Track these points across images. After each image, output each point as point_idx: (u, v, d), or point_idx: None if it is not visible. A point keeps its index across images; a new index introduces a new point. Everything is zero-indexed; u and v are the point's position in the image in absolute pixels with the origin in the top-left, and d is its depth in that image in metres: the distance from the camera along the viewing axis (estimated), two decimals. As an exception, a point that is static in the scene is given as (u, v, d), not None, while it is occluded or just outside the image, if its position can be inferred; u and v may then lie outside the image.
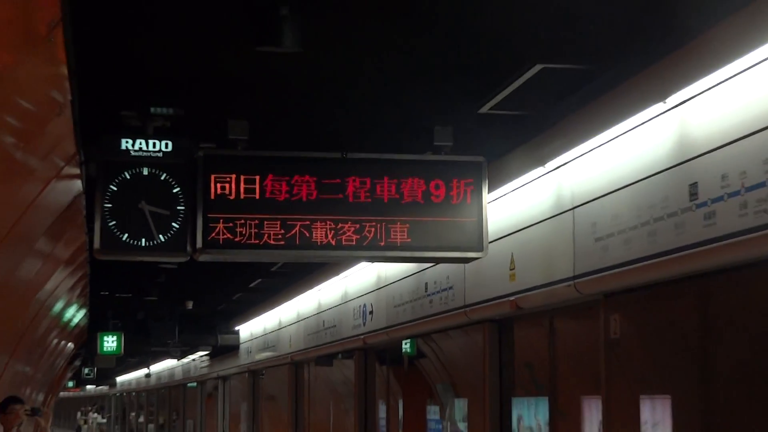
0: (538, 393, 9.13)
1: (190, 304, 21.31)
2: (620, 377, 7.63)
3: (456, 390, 11.09)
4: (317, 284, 15.49)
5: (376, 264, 12.51)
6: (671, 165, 6.37)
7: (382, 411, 14.07)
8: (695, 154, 6.11)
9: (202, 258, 7.59)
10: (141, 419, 53.05)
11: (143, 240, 7.44)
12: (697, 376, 6.84)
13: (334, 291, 15.00)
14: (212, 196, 7.45)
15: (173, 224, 7.47)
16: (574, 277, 7.59)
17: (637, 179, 6.76)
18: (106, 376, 45.79)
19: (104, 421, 65.03)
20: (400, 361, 12.47)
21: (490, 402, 9.78)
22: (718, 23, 5.64)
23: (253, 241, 7.50)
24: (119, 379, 53.79)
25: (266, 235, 7.52)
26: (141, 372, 44.37)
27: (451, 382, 11.40)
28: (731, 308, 6.57)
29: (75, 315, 16.84)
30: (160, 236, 7.46)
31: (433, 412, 11.69)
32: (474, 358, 10.18)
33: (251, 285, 18.09)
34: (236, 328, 23.94)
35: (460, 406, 10.76)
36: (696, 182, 6.09)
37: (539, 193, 8.22)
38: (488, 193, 7.65)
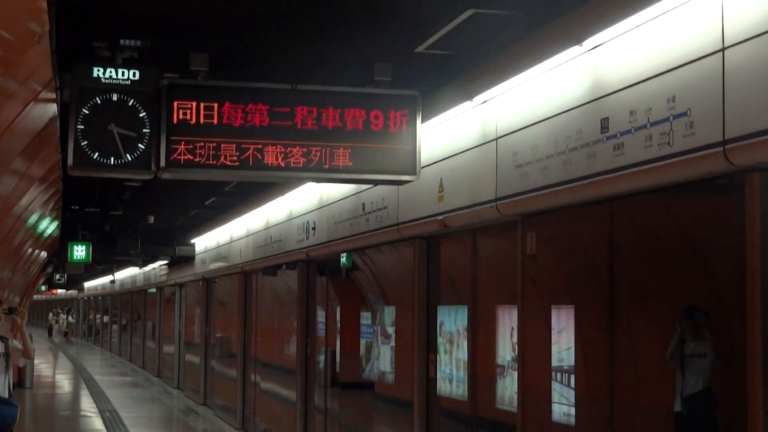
0: (459, 302, 9.15)
1: (151, 219, 21.16)
2: (533, 289, 7.66)
3: (386, 299, 11.11)
4: (266, 203, 15.42)
5: (319, 186, 12.46)
6: (585, 101, 6.35)
7: (321, 316, 14.10)
8: (607, 92, 6.09)
9: (165, 176, 7.55)
10: (106, 320, 52.95)
11: (112, 158, 7.38)
12: (599, 289, 6.87)
13: (280, 209, 14.94)
14: (174, 121, 7.39)
15: (139, 145, 7.41)
16: (496, 200, 7.58)
17: (554, 114, 6.74)
18: (75, 281, 45.50)
19: (73, 321, 64.98)
20: (338, 272, 12.45)
21: (417, 310, 9.80)
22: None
23: (210, 162, 7.45)
24: (87, 284, 53.51)
25: (222, 156, 7.47)
26: (107, 278, 44.19)
27: (383, 292, 11.41)
28: (631, 229, 6.59)
29: (48, 227, 16.64)
30: (128, 155, 7.41)
31: (365, 317, 11.71)
32: (404, 271, 10.18)
33: (206, 202, 18.01)
34: (192, 241, 23.83)
35: (390, 313, 10.78)
36: (607, 117, 6.07)
37: (467, 125, 8.17)
38: (422, 123, 7.61)
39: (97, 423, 19.83)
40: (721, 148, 5.01)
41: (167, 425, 20.72)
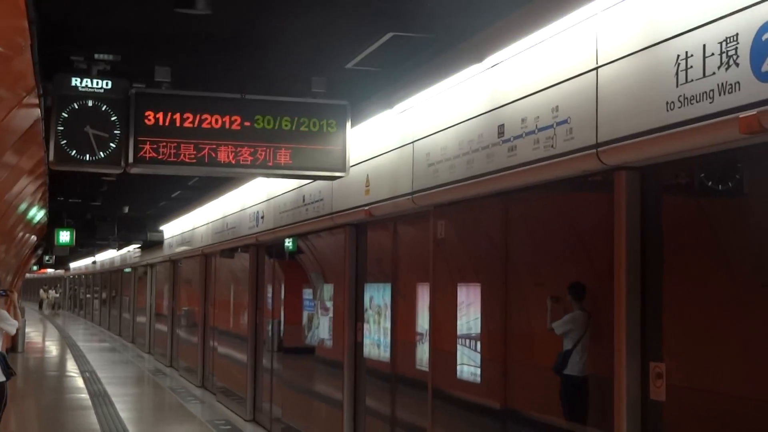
0: (384, 280, 9.15)
1: (126, 209, 20.96)
2: (444, 269, 7.68)
3: (325, 277, 11.08)
4: (222, 195, 15.32)
5: (267, 181, 12.39)
6: (485, 111, 6.37)
7: (269, 292, 14.04)
8: (503, 103, 6.12)
9: (133, 170, 7.52)
10: (88, 295, 52.28)
11: (87, 155, 7.36)
12: (499, 268, 6.92)
13: (235, 201, 14.84)
14: (141, 124, 7.37)
15: (111, 144, 7.38)
16: (413, 193, 7.59)
17: (460, 121, 6.76)
18: (62, 262, 44.82)
19: (58, 295, 64.20)
20: (284, 255, 12.39)
21: (348, 286, 9.80)
22: (523, 6, 5.64)
23: (172, 159, 7.45)
24: (72, 264, 52.78)
25: (182, 154, 7.45)
26: (89, 260, 43.64)
27: (321, 271, 11.38)
28: (522, 216, 6.63)
29: (36, 214, 16.37)
30: (101, 153, 7.39)
31: (307, 293, 11.67)
32: (338, 253, 10.17)
33: (173, 195, 17.83)
34: (161, 228, 23.58)
35: (327, 289, 10.76)
36: (503, 123, 6.11)
37: (389, 130, 8.18)
38: (351, 128, 7.63)
39: (79, 382, 19.59)
40: (595, 150, 5.07)
41: (138, 383, 20.50)
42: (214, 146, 7.45)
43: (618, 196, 5.13)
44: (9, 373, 10.63)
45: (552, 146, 5.46)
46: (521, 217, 6.65)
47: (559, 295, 5.95)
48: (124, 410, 15.26)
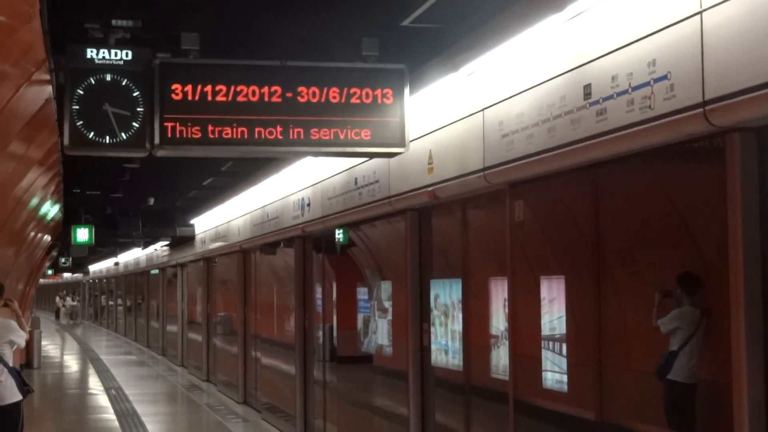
0: (452, 275, 9.09)
1: (151, 201, 21.12)
2: (523, 259, 7.61)
3: (382, 274, 11.07)
4: (262, 181, 15.38)
5: (312, 162, 12.41)
6: (568, 69, 6.29)
7: (318, 292, 14.07)
8: (589, 59, 6.03)
9: (160, 153, 7.53)
10: (111, 302, 52.95)
11: (107, 137, 7.39)
12: (588, 257, 6.81)
13: (276, 187, 14.89)
14: (167, 99, 7.35)
15: (134, 124, 7.42)
16: (484, 169, 7.53)
17: (538, 83, 6.68)
18: (80, 264, 45.41)
19: (75, 303, 65.19)
20: (335, 249, 12.40)
21: (411, 282, 9.76)
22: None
23: (203, 138, 7.43)
24: (92, 267, 53.49)
25: (215, 133, 7.45)
26: (110, 261, 44.16)
27: (378, 267, 11.37)
28: (616, 195, 6.53)
29: (50, 210, 16.58)
30: (122, 134, 7.43)
31: (362, 293, 11.67)
32: (398, 245, 10.14)
33: (204, 183, 17.96)
34: (192, 222, 23.77)
35: (386, 288, 10.74)
36: (590, 83, 6.02)
37: (454, 98, 8.11)
38: (409, 96, 7.57)
39: (103, 400, 19.84)
40: (702, 110, 4.96)
41: (171, 400, 20.71)
42: (252, 122, 7.44)
43: (730, 163, 5.02)
44: (25, 390, 10.77)
45: (649, 107, 5.37)
46: (613, 195, 6.55)
47: (669, 288, 5.84)
48: (157, 432, 15.43)
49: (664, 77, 5.25)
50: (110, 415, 17.35)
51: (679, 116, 5.13)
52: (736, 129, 4.95)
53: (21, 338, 10.84)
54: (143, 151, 7.47)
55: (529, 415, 7.45)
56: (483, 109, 7.55)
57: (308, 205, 12.94)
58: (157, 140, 7.35)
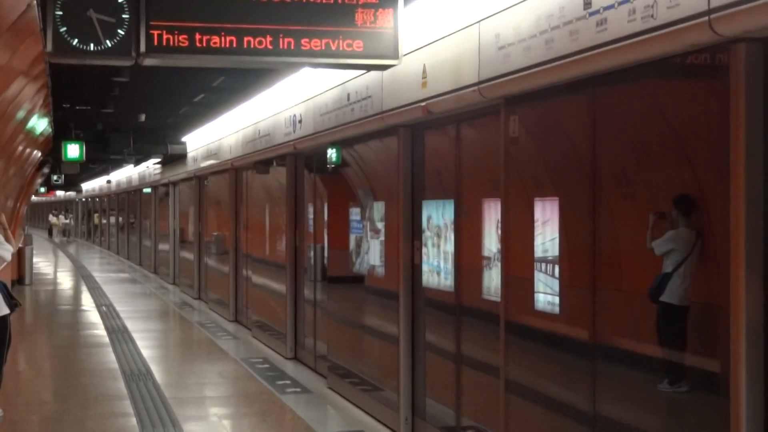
0: (445, 196, 8.91)
1: (142, 117, 20.91)
2: (517, 179, 7.42)
3: (374, 194, 10.89)
4: (253, 97, 15.14)
5: (303, 79, 12.17)
6: (568, -22, 6.04)
7: (310, 212, 13.93)
8: (590, -33, 5.79)
9: (147, 62, 7.39)
10: (104, 221, 52.89)
11: (92, 45, 7.25)
12: (583, 177, 6.61)
13: (268, 104, 14.65)
14: (154, 6, 7.17)
15: (119, 31, 7.27)
16: (479, 83, 7.31)
17: (537, -7, 6.44)
18: (72, 183, 45.31)
19: (68, 221, 65.28)
20: (327, 168, 12.19)
21: (403, 201, 9.60)
22: None
23: (190, 47, 7.26)
24: (84, 185, 53.36)
25: (204, 41, 7.27)
26: (103, 179, 44.02)
27: (371, 187, 11.18)
28: (614, 112, 6.32)
29: (38, 124, 16.32)
30: (107, 41, 7.27)
31: (355, 214, 11.50)
32: (390, 165, 9.94)
33: (195, 99, 17.72)
34: (183, 139, 23.53)
35: (379, 208, 10.57)
36: (590, -8, 5.78)
37: (449, 9, 7.86)
38: (404, 7, 7.37)
39: (95, 316, 19.80)
40: (707, 18, 4.73)
41: (163, 318, 20.68)
42: (246, 29, 7.28)
43: (735, 76, 4.82)
44: (13, 304, 10.67)
45: (652, 16, 5.14)
46: (610, 113, 6.34)
47: (664, 211, 5.67)
48: (146, 347, 15.39)
49: (669, -16, 5.02)
50: (101, 331, 17.31)
51: (682, 25, 4.90)
52: (742, 39, 4.73)
53: (7, 252, 10.70)
54: (129, 59, 7.33)
55: (520, 335, 7.33)
56: (479, 21, 7.30)
57: (300, 121, 12.72)
58: (143, 48, 7.20)
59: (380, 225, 10.45)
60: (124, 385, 11.99)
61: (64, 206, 74.28)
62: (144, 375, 12.73)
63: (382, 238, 10.35)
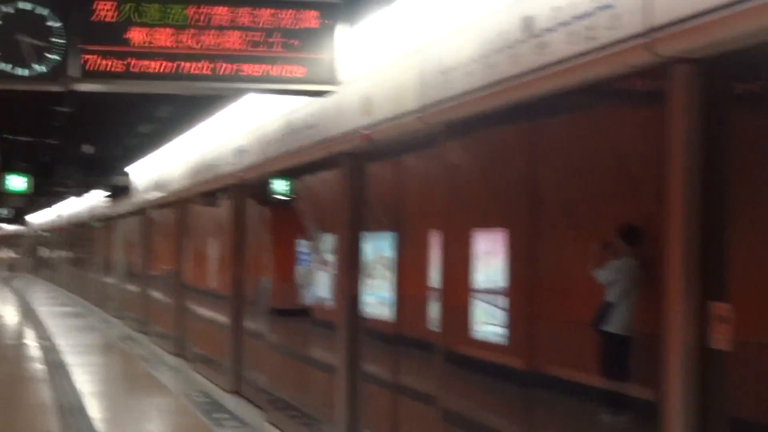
0: (389, 228, 8.72)
1: (90, 149, 20.63)
2: (459, 207, 7.27)
3: (321, 225, 10.68)
4: (196, 125, 14.90)
5: (249, 108, 11.99)
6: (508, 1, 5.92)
7: (254, 244, 13.72)
8: (531, -9, 5.67)
9: (81, 88, 7.19)
10: (53, 255, 52.32)
11: (20, 69, 6.99)
12: (527, 205, 6.46)
13: (212, 135, 14.44)
14: (88, 30, 6.97)
15: (50, 55, 7.03)
16: (421, 110, 7.15)
17: (477, 17, 6.30)
18: (18, 216, 44.77)
19: (15, 255, 64.62)
20: (273, 199, 11.96)
21: (345, 230, 9.41)
22: None
23: (125, 72, 7.06)
24: (35, 219, 52.79)
25: (138, 66, 7.08)
26: (54, 213, 43.61)
27: (317, 217, 10.98)
28: (557, 139, 6.18)
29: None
30: (38, 66, 7.02)
31: (302, 245, 11.30)
32: (334, 197, 9.74)
33: (140, 130, 17.51)
34: (127, 170, 23.16)
35: (327, 240, 10.36)
36: (531, 15, 5.64)
37: (391, 36, 7.73)
38: (344, 31, 7.27)
39: (35, 351, 19.45)
40: (648, 39, 4.60)
41: (104, 351, 20.41)
42: (183, 55, 7.13)
43: (674, 97, 4.67)
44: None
45: (593, 38, 5.01)
46: (550, 138, 6.20)
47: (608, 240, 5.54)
48: (85, 382, 15.07)
49: (609, 6, 4.89)
50: (41, 366, 16.93)
51: (623, 46, 4.78)
52: (682, 59, 4.59)
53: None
54: (60, 85, 7.10)
55: (458, 364, 7.17)
56: (421, 47, 7.17)
57: (245, 152, 12.53)
58: (76, 74, 7.01)
59: (328, 257, 10.27)
60: (58, 421, 11.67)
61: (12, 241, 73.32)
62: (79, 410, 12.42)
63: (330, 269, 10.16)
